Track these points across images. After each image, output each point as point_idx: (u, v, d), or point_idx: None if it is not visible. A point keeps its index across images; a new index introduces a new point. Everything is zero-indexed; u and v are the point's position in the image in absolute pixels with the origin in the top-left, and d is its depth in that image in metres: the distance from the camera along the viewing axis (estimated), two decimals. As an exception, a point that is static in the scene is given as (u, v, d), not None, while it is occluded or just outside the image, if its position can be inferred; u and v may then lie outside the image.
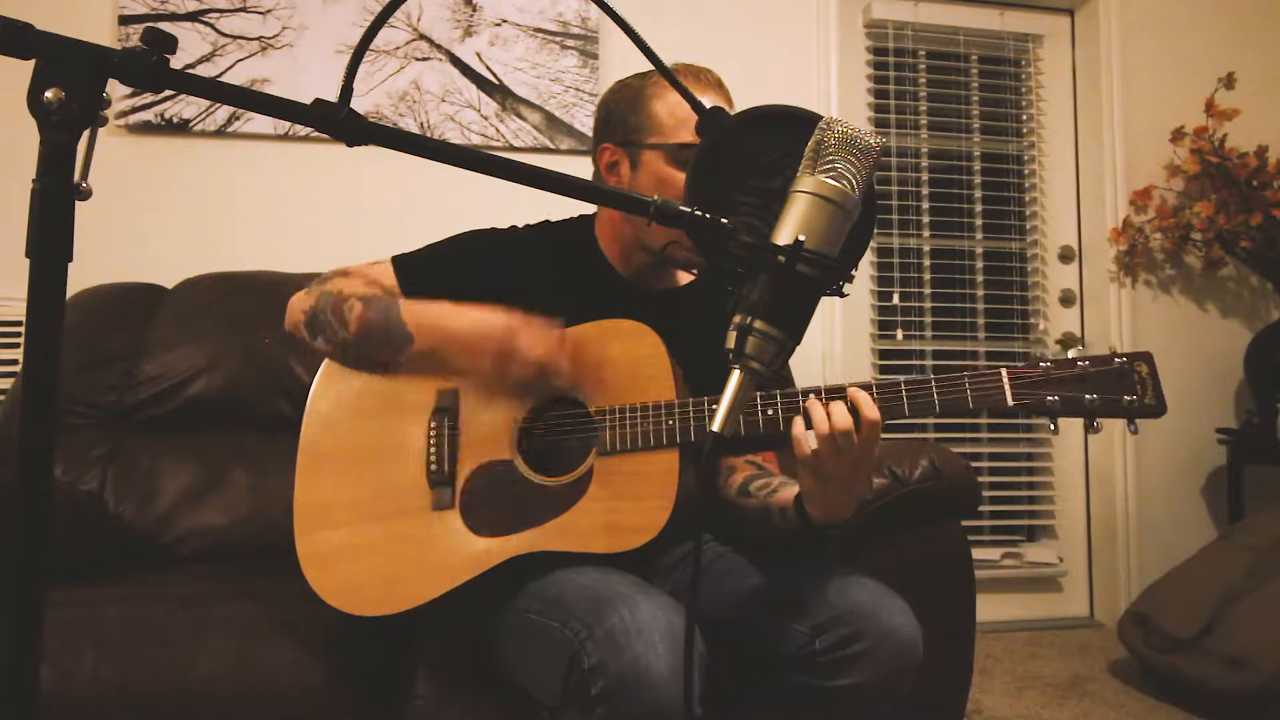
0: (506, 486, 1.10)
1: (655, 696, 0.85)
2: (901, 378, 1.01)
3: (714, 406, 1.04)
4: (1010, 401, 0.98)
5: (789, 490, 1.08)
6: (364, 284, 1.17)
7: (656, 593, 0.96)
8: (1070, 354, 1.00)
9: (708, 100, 1.15)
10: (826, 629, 0.99)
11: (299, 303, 1.20)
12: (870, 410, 0.94)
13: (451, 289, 1.20)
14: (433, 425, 1.14)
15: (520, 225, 1.31)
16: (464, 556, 1.07)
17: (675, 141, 1.16)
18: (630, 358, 1.11)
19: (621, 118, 1.21)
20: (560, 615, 0.96)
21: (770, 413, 1.03)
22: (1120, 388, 0.97)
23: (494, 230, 1.28)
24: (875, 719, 1.00)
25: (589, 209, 1.33)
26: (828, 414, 0.94)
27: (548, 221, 1.32)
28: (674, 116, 1.17)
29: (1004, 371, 0.99)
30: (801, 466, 0.98)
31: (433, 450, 1.13)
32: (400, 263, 1.22)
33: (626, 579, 0.99)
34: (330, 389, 1.20)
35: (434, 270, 1.22)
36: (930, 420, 2.72)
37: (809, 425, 0.96)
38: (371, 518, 1.12)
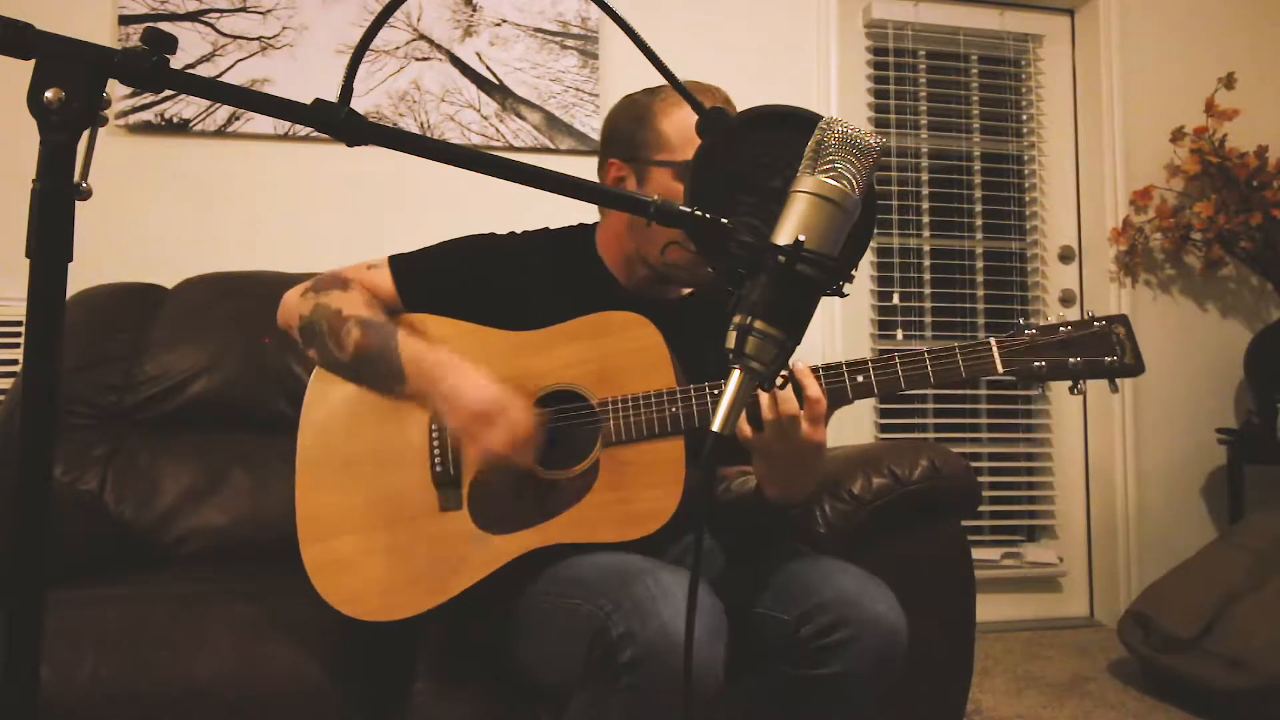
0: (513, 483, 1.10)
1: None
2: (896, 352, 1.05)
3: (715, 392, 1.06)
4: (1000, 369, 1.03)
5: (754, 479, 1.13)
6: (364, 301, 1.15)
7: (676, 567, 0.96)
8: (1052, 320, 1.06)
9: None
10: (810, 617, 0.99)
11: (294, 305, 1.18)
12: (813, 389, 0.97)
13: (448, 293, 1.20)
14: (434, 427, 1.14)
15: (519, 231, 1.30)
16: (478, 555, 1.07)
17: (683, 159, 1.15)
18: (629, 349, 1.12)
19: (629, 133, 1.21)
20: (582, 592, 0.96)
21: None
22: (1100, 349, 1.03)
23: (492, 235, 1.28)
24: (861, 707, 1.00)
25: (588, 219, 1.33)
26: (773, 400, 0.97)
27: (547, 229, 1.32)
28: (681, 135, 1.16)
29: (993, 341, 1.04)
30: (751, 450, 1.03)
31: (436, 452, 1.13)
32: (397, 264, 1.21)
33: (643, 557, 0.99)
34: (324, 395, 1.19)
35: (431, 274, 1.22)
36: (930, 420, 2.73)
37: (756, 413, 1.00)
38: (378, 523, 1.11)
